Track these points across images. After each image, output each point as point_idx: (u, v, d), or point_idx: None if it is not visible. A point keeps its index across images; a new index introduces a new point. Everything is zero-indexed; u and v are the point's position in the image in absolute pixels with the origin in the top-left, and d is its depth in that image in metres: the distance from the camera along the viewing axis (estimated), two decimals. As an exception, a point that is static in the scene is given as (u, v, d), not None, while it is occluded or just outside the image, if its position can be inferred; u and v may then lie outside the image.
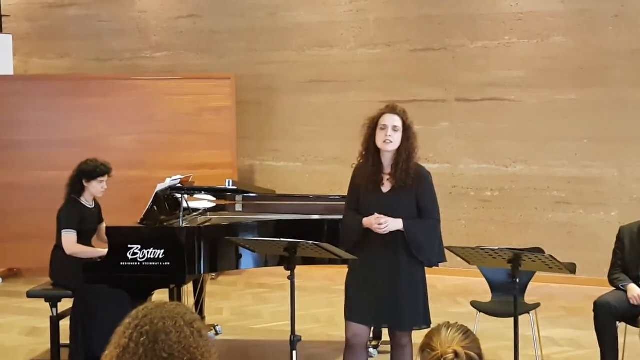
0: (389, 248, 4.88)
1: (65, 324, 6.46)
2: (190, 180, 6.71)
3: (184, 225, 6.05)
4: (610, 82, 9.15)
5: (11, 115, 9.69)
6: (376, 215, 4.82)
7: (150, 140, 9.78)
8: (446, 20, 9.81)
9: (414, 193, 4.97)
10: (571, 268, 4.71)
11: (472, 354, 2.50)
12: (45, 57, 11.36)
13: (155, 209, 6.13)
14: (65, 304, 6.50)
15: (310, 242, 4.55)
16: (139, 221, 6.02)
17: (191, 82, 10.10)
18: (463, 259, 4.93)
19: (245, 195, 7.04)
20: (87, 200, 6.63)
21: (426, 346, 2.61)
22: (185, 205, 6.30)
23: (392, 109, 5.05)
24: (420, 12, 9.91)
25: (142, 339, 2.36)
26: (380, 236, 4.83)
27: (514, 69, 9.53)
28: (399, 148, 4.96)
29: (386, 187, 5.00)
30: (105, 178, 6.63)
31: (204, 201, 7.13)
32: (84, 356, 6.27)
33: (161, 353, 2.34)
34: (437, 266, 5.20)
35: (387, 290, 4.93)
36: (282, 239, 4.79)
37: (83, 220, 6.53)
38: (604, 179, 9.26)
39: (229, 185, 6.59)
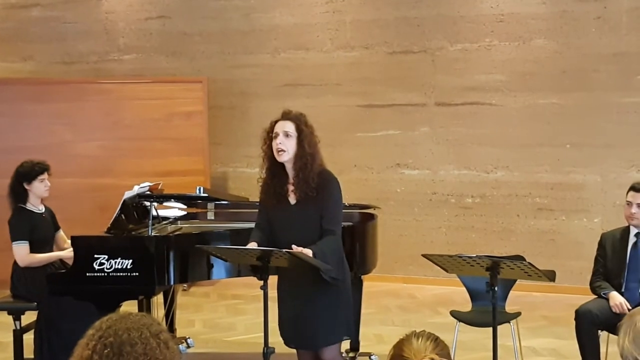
0: (302, 268, 4.74)
1: (29, 338, 6.44)
2: (159, 187, 6.71)
3: (153, 234, 6.05)
4: (593, 86, 9.23)
5: (-28, 121, 9.66)
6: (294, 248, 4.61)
7: (118, 146, 9.77)
8: (425, 22, 9.86)
9: (320, 203, 4.83)
10: (550, 275, 4.76)
11: None
12: (7, 60, 11.31)
13: (123, 217, 6.12)
14: (29, 317, 6.49)
15: (284, 250, 4.55)
16: (106, 230, 6.01)
17: (161, 85, 10.09)
18: (440, 267, 4.96)
19: (217, 202, 7.05)
20: (34, 206, 6.62)
21: (398, 358, 2.59)
22: (154, 213, 6.31)
23: (284, 115, 4.93)
24: (398, 14, 9.96)
25: (106, 351, 2.34)
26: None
27: (495, 72, 9.60)
28: (295, 156, 4.85)
29: (293, 199, 4.91)
30: (45, 176, 6.61)
31: (174, 209, 7.13)
32: (48, 371, 6.26)
33: (126, 365, 2.34)
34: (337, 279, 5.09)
35: (303, 311, 4.88)
36: (254, 247, 4.80)
37: (34, 228, 6.52)
38: (587, 185, 9.34)
39: (200, 192, 6.59)
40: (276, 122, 4.93)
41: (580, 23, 9.26)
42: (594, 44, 9.21)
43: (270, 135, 4.91)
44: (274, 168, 4.92)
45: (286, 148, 4.83)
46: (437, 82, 9.86)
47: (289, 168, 4.89)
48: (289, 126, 4.87)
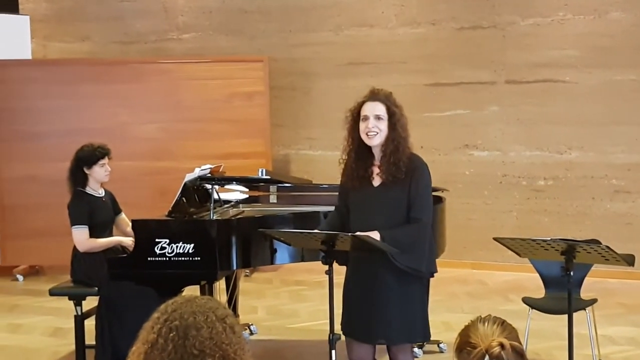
0: (377, 257, 4.69)
1: (90, 324, 6.55)
2: (220, 170, 6.76)
3: (214, 217, 6.11)
4: (673, 60, 9.09)
5: (29, 103, 9.82)
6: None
7: (177, 128, 9.86)
8: (495, -4, 9.79)
9: (407, 187, 4.74)
10: (629, 260, 4.71)
11: (517, 344, 2.52)
12: (64, 40, 11.46)
13: (184, 200, 6.17)
14: (91, 303, 6.60)
15: (350, 234, 4.56)
16: (166, 214, 6.08)
17: (221, 65, 10.13)
18: (513, 250, 4.93)
19: (280, 185, 7.08)
20: (94, 190, 6.71)
21: (465, 345, 2.57)
22: (215, 196, 6.36)
23: (373, 96, 4.81)
24: (466, -13, 9.91)
25: (171, 335, 2.38)
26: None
27: (569, 47, 9.49)
28: (386, 139, 4.75)
29: (377, 182, 4.82)
30: (105, 160, 6.69)
31: (235, 192, 7.19)
32: (110, 358, 6.36)
33: (192, 350, 2.36)
34: (431, 276, 5.03)
35: (376, 302, 4.78)
36: (318, 231, 4.81)
37: (94, 212, 6.62)
38: (667, 166, 9.21)
39: (262, 174, 6.62)
40: (363, 102, 4.83)
41: (660, -5, 9.11)
42: (674, 17, 9.06)
43: (355, 116, 4.83)
44: (360, 150, 4.84)
45: (379, 131, 4.74)
46: (507, 59, 9.77)
47: (377, 151, 4.81)
48: (380, 108, 4.77)
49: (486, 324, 2.60)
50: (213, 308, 2.47)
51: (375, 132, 4.74)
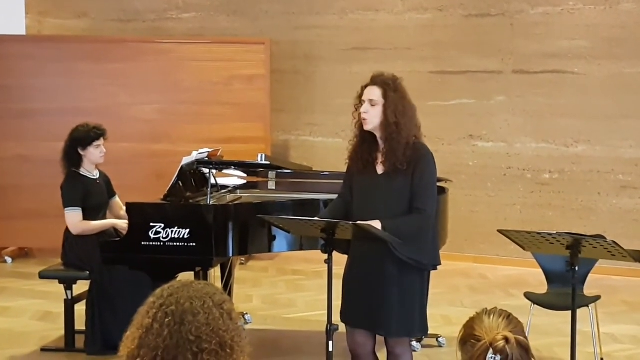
0: (380, 248, 4.68)
1: (81, 309, 6.56)
2: (219, 154, 6.75)
3: (211, 203, 6.10)
4: (686, 54, 9.08)
5: (23, 81, 9.81)
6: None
7: (175, 110, 9.86)
8: (504, -17, 9.77)
9: (410, 176, 4.71)
10: (636, 256, 4.70)
11: (522, 338, 2.53)
12: (60, 16, 11.39)
13: (181, 184, 6.17)
14: (81, 287, 6.59)
15: (350, 222, 4.56)
16: (162, 198, 6.08)
17: (221, 47, 10.12)
18: (517, 244, 4.92)
19: (279, 171, 7.07)
20: (88, 171, 6.71)
21: (469, 337, 2.59)
22: (213, 181, 6.35)
23: (372, 79, 4.80)
24: (475, -27, 9.89)
25: (167, 320, 2.39)
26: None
27: (579, 38, 9.47)
28: (380, 125, 4.74)
29: (381, 169, 4.81)
30: (101, 142, 6.68)
31: (233, 177, 7.17)
32: (101, 344, 6.37)
33: (188, 335, 2.38)
34: (434, 269, 5.01)
35: (376, 294, 4.78)
36: (319, 219, 4.81)
37: (88, 195, 6.62)
38: (676, 162, 9.21)
39: (261, 160, 6.62)
40: (366, 86, 4.84)
41: (674, -14, 9.10)
42: (688, 9, 9.05)
43: (361, 102, 4.81)
44: (365, 135, 4.83)
45: (369, 117, 4.73)
46: (515, 48, 9.76)
47: (378, 137, 4.80)
48: (375, 93, 4.74)
49: (492, 316, 2.60)
50: (210, 293, 2.48)
51: (365, 118, 4.75)
